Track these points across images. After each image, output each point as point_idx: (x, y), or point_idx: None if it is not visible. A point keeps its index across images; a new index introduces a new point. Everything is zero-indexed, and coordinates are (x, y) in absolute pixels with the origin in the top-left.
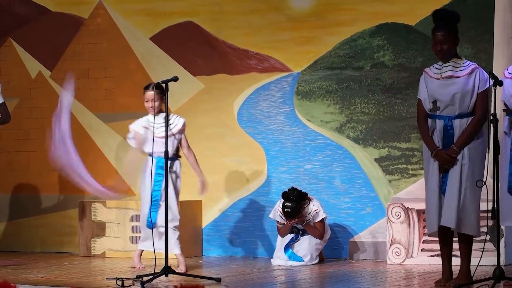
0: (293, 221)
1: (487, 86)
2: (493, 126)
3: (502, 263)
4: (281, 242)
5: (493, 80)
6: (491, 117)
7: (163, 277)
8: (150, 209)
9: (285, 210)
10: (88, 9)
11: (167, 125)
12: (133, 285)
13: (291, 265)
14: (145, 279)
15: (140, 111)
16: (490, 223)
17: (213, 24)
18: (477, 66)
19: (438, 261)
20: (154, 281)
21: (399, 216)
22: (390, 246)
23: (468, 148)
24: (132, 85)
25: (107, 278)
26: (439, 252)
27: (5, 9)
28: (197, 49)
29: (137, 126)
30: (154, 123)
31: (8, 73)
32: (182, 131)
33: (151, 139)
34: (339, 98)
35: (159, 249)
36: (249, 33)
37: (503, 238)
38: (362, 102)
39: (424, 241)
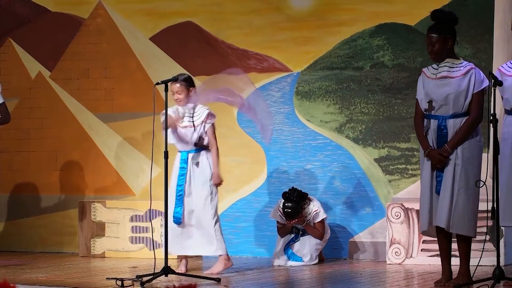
0: (293, 221)
1: (483, 86)
2: (492, 126)
3: (501, 263)
4: (281, 242)
5: (493, 80)
6: (491, 117)
7: (162, 277)
8: (176, 204)
9: (285, 210)
10: (88, 9)
11: (166, 125)
12: (133, 285)
13: (291, 265)
14: (144, 279)
15: (140, 111)
16: (490, 223)
17: (213, 24)
18: (474, 66)
19: (437, 261)
20: (153, 281)
21: (398, 216)
22: (389, 246)
23: (462, 148)
24: (132, 85)
25: (107, 278)
26: (439, 252)
27: (5, 9)
28: (197, 49)
29: (170, 112)
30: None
31: (8, 73)
32: (203, 122)
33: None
34: (339, 98)
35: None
36: (249, 33)
37: (502, 238)
38: (362, 102)
39: (423, 241)
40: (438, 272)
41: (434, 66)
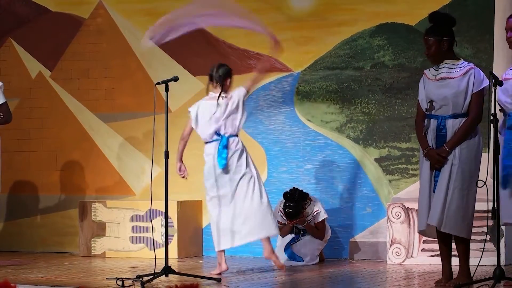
0: (294, 221)
1: (483, 86)
2: (493, 126)
3: (502, 263)
4: (281, 242)
5: (494, 80)
6: (491, 117)
7: (163, 277)
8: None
9: (286, 210)
10: (88, 9)
11: (167, 125)
12: (133, 285)
13: (291, 265)
14: (145, 279)
15: (140, 111)
16: (490, 223)
17: None
18: (473, 66)
19: (438, 261)
20: (154, 281)
21: (399, 216)
22: (390, 246)
23: (460, 148)
24: (132, 85)
25: (107, 278)
26: (439, 252)
27: (5, 9)
28: (197, 49)
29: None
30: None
31: (8, 73)
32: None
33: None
34: (339, 98)
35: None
36: (249, 33)
37: (503, 238)
38: (362, 102)
39: (424, 241)
40: (438, 272)
41: (435, 67)
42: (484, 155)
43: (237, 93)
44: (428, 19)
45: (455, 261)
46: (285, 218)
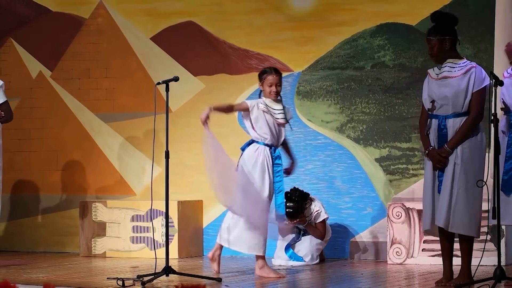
0: (294, 221)
1: (484, 85)
2: (493, 126)
3: (502, 263)
4: (282, 242)
5: (494, 80)
6: (492, 117)
7: (163, 277)
8: (275, 201)
9: (287, 210)
10: (89, 9)
11: (167, 125)
12: (134, 285)
13: (291, 265)
14: (145, 279)
15: (141, 111)
16: (491, 223)
17: (214, 24)
18: (475, 65)
19: (438, 261)
20: (154, 281)
21: (399, 216)
22: (390, 246)
23: (462, 148)
24: (132, 85)
25: (107, 278)
26: (440, 252)
27: (5, 9)
28: (198, 49)
29: (252, 103)
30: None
31: (8, 73)
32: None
33: (265, 125)
34: (340, 98)
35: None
36: (250, 33)
37: (503, 238)
38: (363, 102)
39: (425, 241)
40: (439, 272)
41: (439, 66)
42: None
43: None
44: (431, 18)
45: (456, 261)
46: (285, 218)
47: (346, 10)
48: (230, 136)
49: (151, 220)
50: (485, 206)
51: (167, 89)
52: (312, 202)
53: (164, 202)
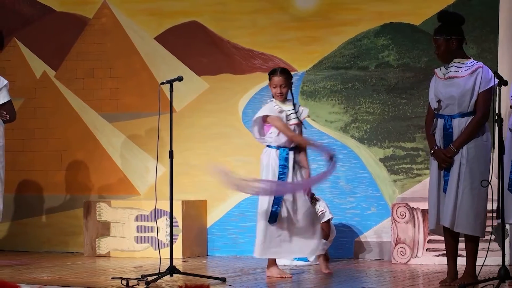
0: None
1: (490, 85)
2: (497, 126)
3: (507, 262)
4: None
5: (498, 80)
6: (496, 117)
7: (168, 277)
8: (273, 204)
9: None
10: (93, 9)
11: (171, 124)
12: (138, 284)
13: (296, 265)
14: (150, 278)
15: (145, 110)
16: (495, 222)
17: (218, 23)
18: (482, 65)
19: (443, 260)
20: (159, 280)
21: (404, 216)
22: (395, 246)
23: (467, 147)
24: (136, 85)
25: (112, 278)
26: (444, 252)
27: (10, 9)
28: (202, 49)
29: (273, 112)
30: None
31: (13, 73)
32: (304, 119)
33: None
34: (344, 98)
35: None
36: (254, 33)
37: (508, 237)
38: (367, 102)
39: (429, 241)
40: (443, 272)
41: (445, 66)
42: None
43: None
44: (437, 18)
45: (460, 260)
46: None
47: (350, 10)
48: (234, 137)
49: (155, 220)
50: (489, 206)
51: (171, 89)
52: (317, 202)
53: (168, 202)
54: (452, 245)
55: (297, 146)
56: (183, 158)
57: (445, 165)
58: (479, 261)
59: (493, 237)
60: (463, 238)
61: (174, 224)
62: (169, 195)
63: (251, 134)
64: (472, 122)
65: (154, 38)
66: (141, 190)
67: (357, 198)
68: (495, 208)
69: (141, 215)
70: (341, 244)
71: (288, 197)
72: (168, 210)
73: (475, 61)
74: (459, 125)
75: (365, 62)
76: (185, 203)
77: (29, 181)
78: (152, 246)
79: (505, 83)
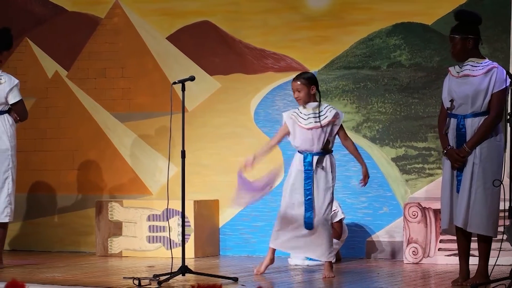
0: None
1: (504, 86)
2: (510, 126)
3: None
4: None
5: (510, 80)
6: (508, 117)
7: (180, 277)
8: (305, 209)
9: None
10: (105, 8)
11: (183, 124)
12: (150, 284)
13: (307, 265)
14: (162, 278)
15: (157, 110)
16: (507, 222)
17: (230, 23)
18: (497, 65)
19: (455, 260)
20: (170, 280)
21: (416, 216)
22: (407, 246)
23: (481, 147)
24: (148, 84)
25: (124, 277)
26: (456, 252)
27: (21, 9)
28: (214, 49)
29: (287, 115)
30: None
31: (24, 72)
32: (332, 122)
33: (299, 131)
34: (356, 97)
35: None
36: (266, 33)
37: None
38: (379, 102)
39: (441, 241)
40: (455, 272)
41: (460, 65)
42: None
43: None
44: (454, 16)
45: (473, 260)
46: None
47: (362, 9)
48: (246, 137)
49: (167, 220)
50: (502, 205)
51: (183, 89)
52: None
53: (180, 201)
54: (464, 245)
55: (324, 151)
56: (195, 158)
57: (458, 165)
58: (491, 261)
59: (505, 236)
60: (475, 238)
61: (186, 223)
62: (181, 195)
63: (263, 134)
64: (486, 122)
65: (166, 38)
66: (153, 189)
67: (369, 198)
68: (507, 207)
69: (153, 214)
70: (353, 244)
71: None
72: (180, 210)
73: (490, 61)
74: (472, 124)
75: (377, 62)
76: (197, 203)
77: (41, 180)
78: (164, 245)
79: None
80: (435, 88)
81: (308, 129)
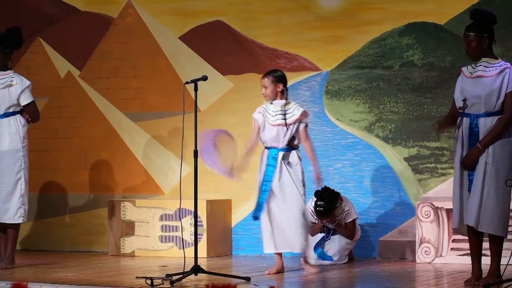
0: (324, 220)
1: None
2: None
3: None
4: (311, 241)
5: None
6: None
7: (192, 276)
8: (258, 199)
9: (317, 208)
10: (117, 8)
11: (196, 124)
12: (163, 284)
13: (320, 264)
14: (174, 278)
15: (169, 110)
16: None
17: (242, 23)
18: (510, 66)
19: (467, 260)
20: (183, 280)
21: (428, 215)
22: (419, 245)
23: (493, 147)
24: (161, 84)
25: (136, 277)
26: (469, 251)
27: (34, 9)
28: (226, 48)
29: (255, 113)
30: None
31: (37, 72)
32: (299, 120)
33: (267, 127)
34: (368, 97)
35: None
36: (278, 32)
37: None
38: (391, 101)
39: (453, 240)
40: (468, 271)
41: (473, 65)
42: None
43: None
44: (470, 15)
45: (484, 260)
46: (315, 216)
47: (375, 9)
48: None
49: (180, 219)
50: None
51: (195, 88)
52: (342, 202)
53: (193, 201)
54: (476, 245)
55: (288, 147)
56: None
57: (470, 164)
58: (503, 261)
59: None
60: (487, 238)
61: (198, 223)
62: (194, 195)
63: None
64: (500, 122)
65: (179, 38)
66: (166, 189)
67: (381, 197)
68: None
69: (165, 214)
70: (366, 244)
71: (276, 191)
72: (193, 210)
73: (503, 62)
74: (485, 124)
75: (390, 62)
76: (209, 203)
77: (53, 180)
78: (176, 245)
79: None
80: (447, 87)
81: (275, 125)
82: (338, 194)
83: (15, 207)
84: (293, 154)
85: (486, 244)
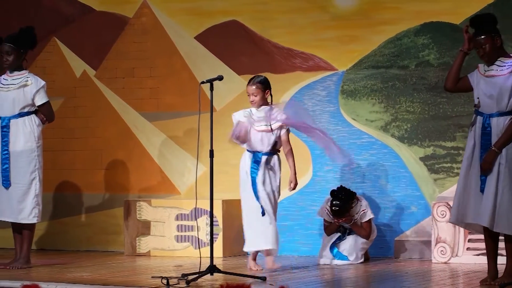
0: (340, 219)
1: None
2: None
3: None
4: (327, 240)
5: None
6: None
7: (208, 276)
8: (258, 200)
9: (333, 208)
10: (133, 8)
11: (212, 124)
12: (178, 284)
13: (336, 264)
14: (190, 278)
15: (185, 110)
16: None
17: (258, 23)
18: None
19: (483, 260)
20: (199, 280)
21: (444, 215)
22: (435, 245)
23: (507, 148)
24: (177, 84)
25: (152, 277)
26: (485, 251)
27: (50, 9)
28: (242, 48)
29: (239, 115)
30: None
31: (53, 72)
32: (282, 126)
33: (252, 132)
34: (384, 97)
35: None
36: (294, 32)
37: None
38: (407, 101)
39: (469, 240)
40: (483, 271)
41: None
42: None
43: None
44: (470, 24)
45: (500, 260)
46: (331, 216)
47: (390, 8)
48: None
49: (196, 219)
50: None
51: (211, 88)
52: (358, 201)
53: (209, 201)
54: (492, 245)
55: (271, 151)
56: (224, 157)
57: (486, 167)
58: None
59: None
60: (503, 237)
61: (214, 223)
62: (209, 194)
63: (291, 133)
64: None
65: (194, 38)
66: (181, 189)
67: (397, 197)
68: None
69: (181, 214)
70: (382, 243)
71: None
72: (209, 209)
73: None
74: (497, 124)
75: (405, 61)
76: (225, 202)
77: (68, 180)
78: (192, 245)
79: None
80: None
81: (259, 131)
82: (354, 193)
83: (30, 207)
84: (275, 158)
85: (502, 244)
